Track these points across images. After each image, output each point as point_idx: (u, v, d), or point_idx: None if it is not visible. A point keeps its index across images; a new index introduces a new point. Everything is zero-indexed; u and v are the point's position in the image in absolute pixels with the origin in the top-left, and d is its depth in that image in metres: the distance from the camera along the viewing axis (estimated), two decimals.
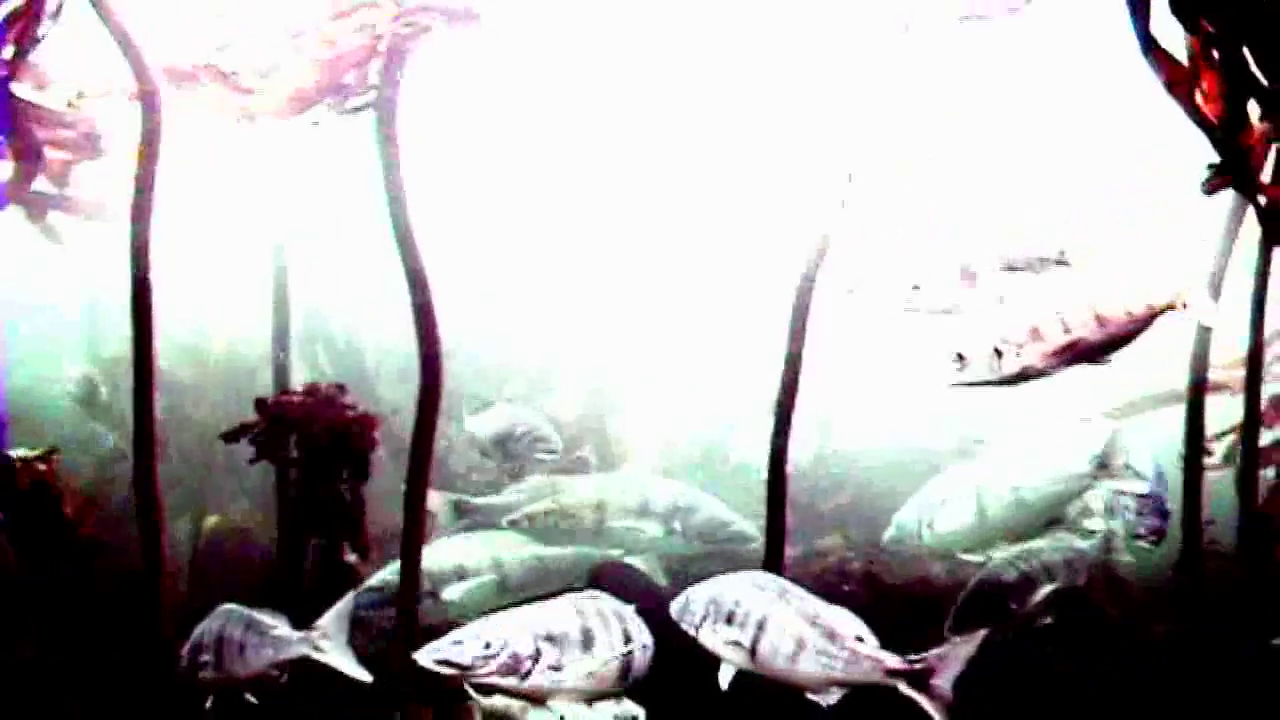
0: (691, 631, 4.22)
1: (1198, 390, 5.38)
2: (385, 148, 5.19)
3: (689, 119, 7.80)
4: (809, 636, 3.95)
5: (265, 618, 4.79)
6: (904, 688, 3.85)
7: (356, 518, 5.42)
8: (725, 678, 4.15)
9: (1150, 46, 4.12)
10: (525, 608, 4.13)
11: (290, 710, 5.12)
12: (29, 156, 4.87)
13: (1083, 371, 4.42)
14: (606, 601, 4.17)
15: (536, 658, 3.85)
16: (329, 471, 5.29)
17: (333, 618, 4.72)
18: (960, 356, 4.18)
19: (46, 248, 5.39)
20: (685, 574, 6.05)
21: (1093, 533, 6.05)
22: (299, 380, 6.13)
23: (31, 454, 5.22)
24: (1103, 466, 6.29)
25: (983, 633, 3.93)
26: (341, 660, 4.67)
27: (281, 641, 4.74)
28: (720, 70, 7.04)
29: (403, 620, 5.35)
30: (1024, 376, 4.20)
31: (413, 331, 5.22)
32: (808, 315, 5.21)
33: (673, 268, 8.45)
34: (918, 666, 3.86)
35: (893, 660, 3.89)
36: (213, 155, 5.98)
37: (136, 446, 4.96)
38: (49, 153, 4.99)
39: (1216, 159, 4.31)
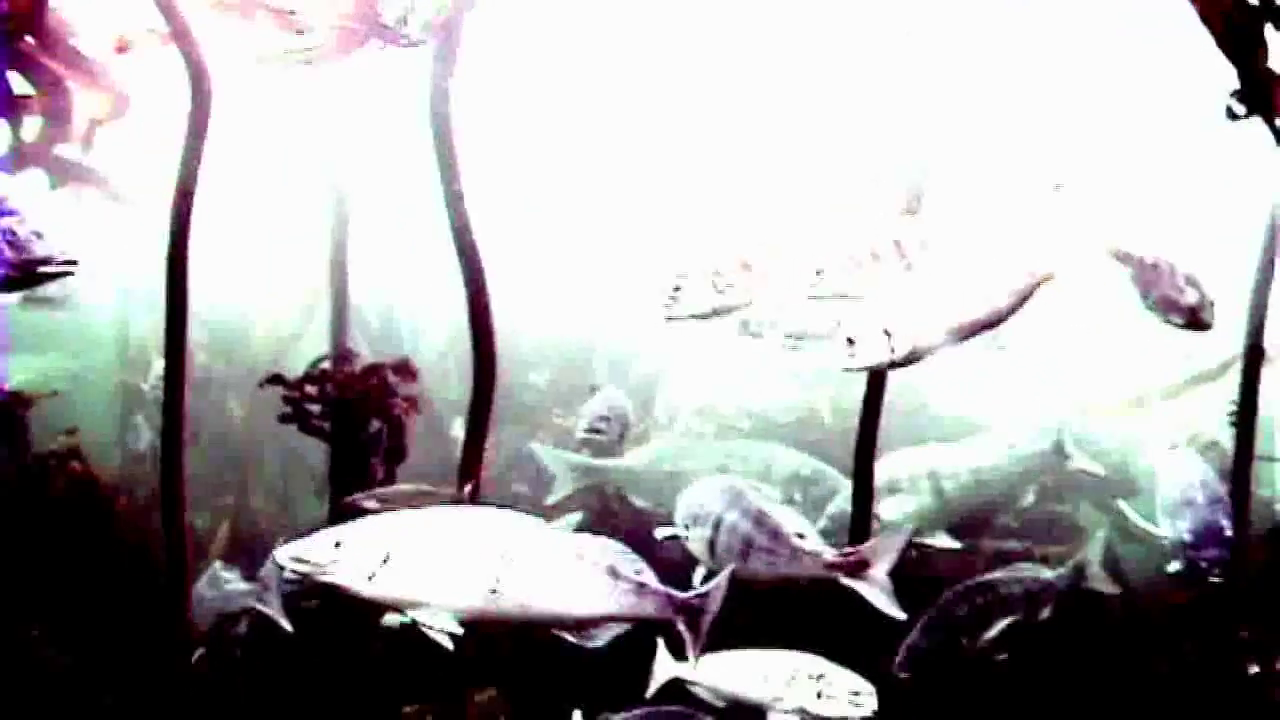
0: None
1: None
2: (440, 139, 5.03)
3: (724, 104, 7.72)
4: (756, 536, 4.28)
5: (225, 573, 5.07)
6: (843, 579, 4.13)
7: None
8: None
9: None
10: (398, 513, 3.96)
11: (292, 710, 5.13)
12: (60, 116, 4.79)
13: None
14: (491, 519, 3.91)
15: (385, 562, 3.68)
16: (363, 451, 5.21)
17: (271, 568, 4.80)
18: (850, 340, 4.07)
19: (77, 235, 5.33)
20: None
21: (1061, 562, 5.82)
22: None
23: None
24: (1060, 448, 6.49)
25: (908, 530, 4.37)
26: (275, 611, 4.81)
27: (232, 594, 4.98)
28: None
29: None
30: (916, 357, 4.11)
31: (449, 315, 5.13)
32: None
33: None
34: (853, 559, 4.17)
35: (830, 554, 4.17)
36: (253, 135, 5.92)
37: (165, 438, 4.90)
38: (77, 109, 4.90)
39: None
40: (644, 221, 8.25)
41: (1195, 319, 4.80)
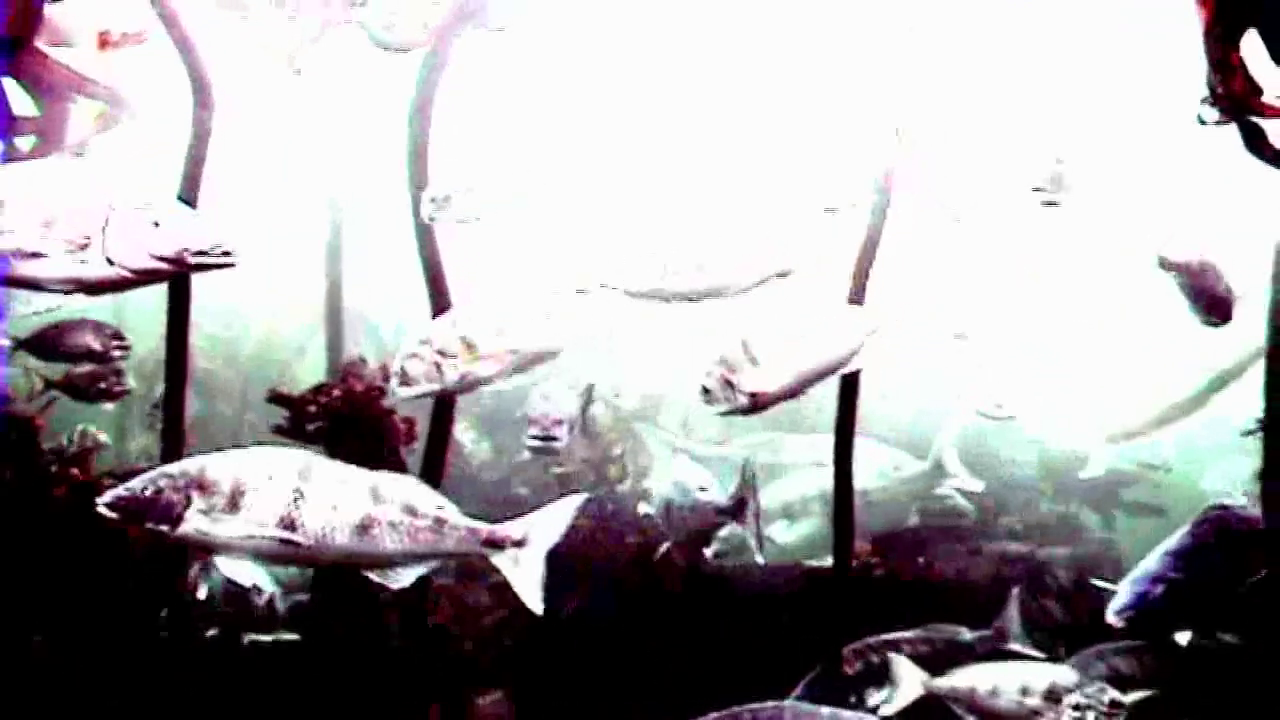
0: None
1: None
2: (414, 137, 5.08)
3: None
4: (377, 512, 3.76)
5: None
6: (495, 558, 3.83)
7: None
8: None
9: None
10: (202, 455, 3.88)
11: (294, 710, 5.10)
12: (54, 133, 4.79)
13: None
14: (287, 459, 3.81)
15: (186, 505, 3.63)
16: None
17: None
18: (706, 390, 4.41)
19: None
20: None
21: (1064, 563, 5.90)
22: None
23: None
24: (939, 467, 6.67)
25: (580, 498, 3.92)
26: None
27: None
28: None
29: (413, 617, 5.27)
30: (759, 405, 4.43)
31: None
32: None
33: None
34: (506, 536, 3.84)
35: (484, 529, 3.84)
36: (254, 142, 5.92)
37: (165, 441, 4.91)
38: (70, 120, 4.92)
39: None
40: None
41: (1230, 315, 4.91)
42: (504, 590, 6.63)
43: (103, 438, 6.70)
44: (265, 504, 3.62)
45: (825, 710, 4.27)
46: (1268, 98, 3.94)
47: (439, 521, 3.77)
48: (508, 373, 4.47)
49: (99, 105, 4.97)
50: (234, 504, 3.62)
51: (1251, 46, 4.01)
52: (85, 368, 6.45)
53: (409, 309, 7.94)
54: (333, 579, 5.26)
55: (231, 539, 3.61)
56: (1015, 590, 5.49)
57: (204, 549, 3.76)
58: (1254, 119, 4.02)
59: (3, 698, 4.89)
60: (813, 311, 4.65)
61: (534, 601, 3.79)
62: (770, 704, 4.33)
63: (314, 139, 6.36)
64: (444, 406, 5.17)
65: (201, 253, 3.54)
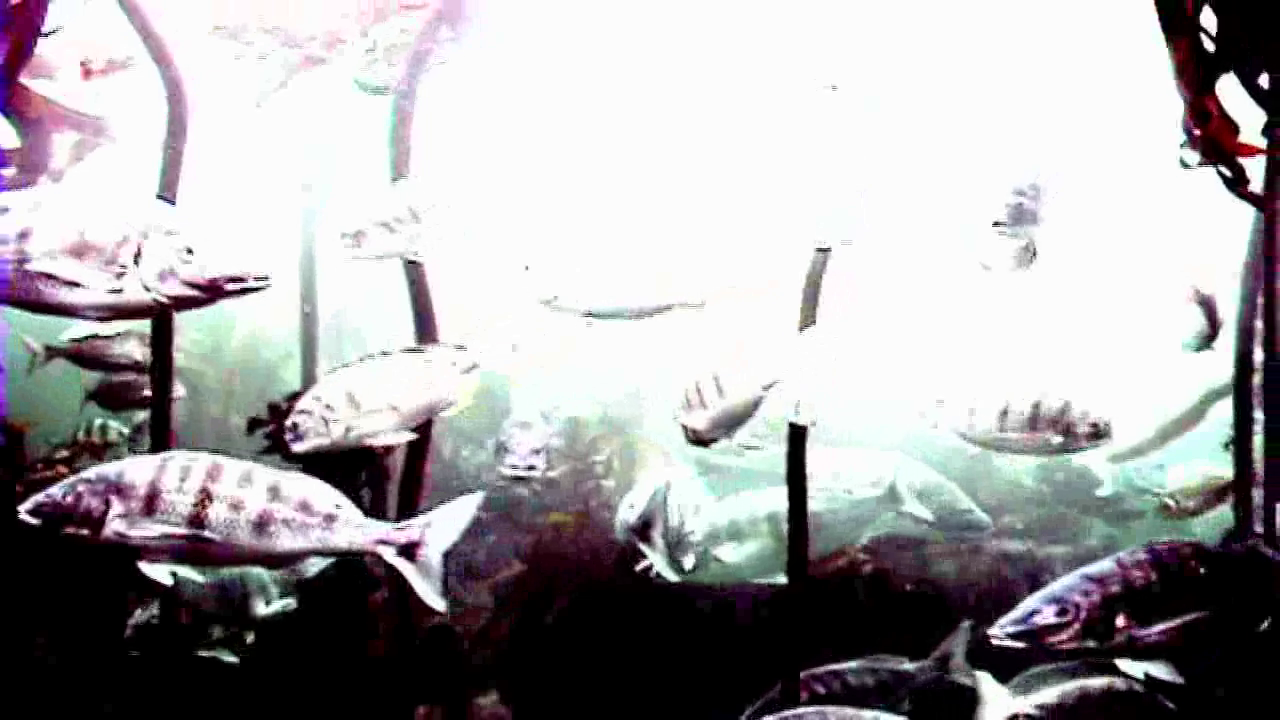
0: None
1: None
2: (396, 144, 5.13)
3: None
4: (275, 509, 3.87)
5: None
6: (390, 557, 3.88)
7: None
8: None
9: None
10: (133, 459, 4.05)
11: (296, 710, 5.18)
12: (36, 166, 4.83)
13: None
14: (192, 460, 3.92)
15: (106, 510, 3.76)
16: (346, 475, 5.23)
17: None
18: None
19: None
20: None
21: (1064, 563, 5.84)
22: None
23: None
24: (891, 493, 6.69)
25: (477, 497, 3.98)
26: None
27: None
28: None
29: (404, 620, 5.31)
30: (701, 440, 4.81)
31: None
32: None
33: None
34: (403, 537, 3.89)
35: (377, 528, 3.92)
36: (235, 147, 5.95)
37: (154, 442, 4.95)
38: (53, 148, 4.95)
39: None
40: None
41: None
42: (505, 591, 6.79)
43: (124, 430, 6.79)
44: (177, 506, 3.75)
45: (868, 714, 4.27)
46: (1245, 137, 3.98)
47: (330, 519, 3.87)
48: (396, 428, 4.59)
49: (76, 135, 5.00)
50: (149, 507, 3.74)
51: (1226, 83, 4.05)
52: (124, 377, 6.50)
53: (387, 314, 8.10)
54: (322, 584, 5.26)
55: (148, 540, 3.74)
56: (965, 624, 5.34)
57: (126, 551, 3.83)
58: (1233, 160, 4.06)
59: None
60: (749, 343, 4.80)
61: (433, 600, 3.86)
62: (812, 709, 4.35)
63: (290, 133, 6.37)
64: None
65: (237, 279, 3.66)
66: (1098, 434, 5.26)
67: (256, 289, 3.73)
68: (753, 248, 5.12)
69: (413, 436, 4.68)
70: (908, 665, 5.34)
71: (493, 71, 5.63)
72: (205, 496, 3.77)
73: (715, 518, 6.45)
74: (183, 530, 3.74)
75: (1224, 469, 6.05)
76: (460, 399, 4.74)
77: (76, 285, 3.56)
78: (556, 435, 6.92)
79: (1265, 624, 4.20)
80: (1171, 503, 6.87)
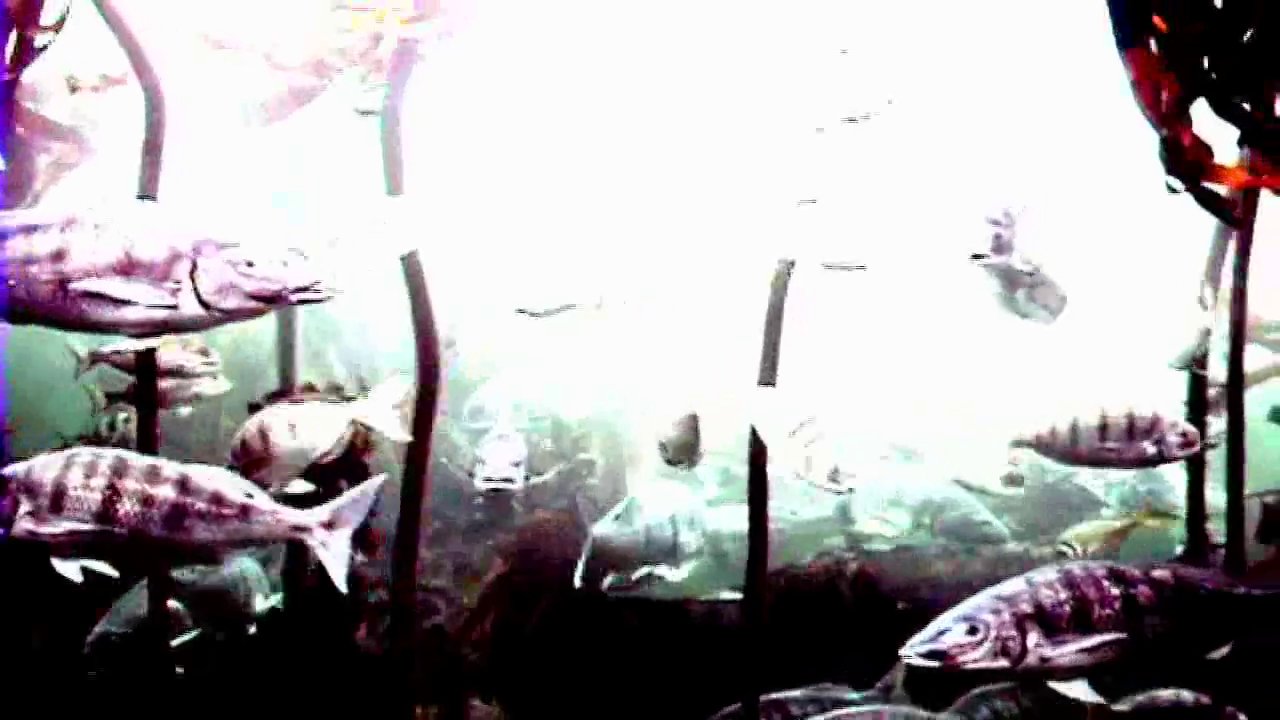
0: None
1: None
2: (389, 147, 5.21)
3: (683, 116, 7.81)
4: (189, 501, 3.96)
5: None
6: (313, 542, 3.96)
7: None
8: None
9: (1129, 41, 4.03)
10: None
11: (296, 710, 5.22)
12: (21, 187, 4.88)
13: None
14: (101, 458, 3.99)
15: (15, 508, 3.87)
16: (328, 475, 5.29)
17: None
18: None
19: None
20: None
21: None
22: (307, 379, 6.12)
23: None
24: (842, 513, 6.94)
25: (380, 479, 4.12)
26: None
27: None
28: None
29: (402, 620, 5.36)
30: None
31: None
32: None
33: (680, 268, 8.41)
34: (323, 520, 3.99)
35: (289, 516, 4.00)
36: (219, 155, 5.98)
37: (140, 446, 4.93)
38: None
39: None
40: None
41: None
42: (500, 590, 6.84)
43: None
44: (85, 502, 3.83)
45: (923, 713, 4.38)
46: (1220, 160, 3.91)
47: (245, 509, 3.96)
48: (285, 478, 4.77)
49: (53, 153, 5.05)
50: (57, 504, 3.82)
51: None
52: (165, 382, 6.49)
53: (368, 314, 8.15)
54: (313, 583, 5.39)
55: (57, 536, 3.82)
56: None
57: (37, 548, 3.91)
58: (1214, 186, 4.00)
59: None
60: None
61: (340, 580, 3.96)
62: (868, 709, 4.45)
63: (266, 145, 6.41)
64: (424, 409, 5.29)
65: (302, 289, 3.66)
66: (1188, 442, 5.20)
67: (324, 298, 3.74)
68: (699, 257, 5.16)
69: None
70: (852, 694, 5.30)
71: (470, 68, 5.67)
72: (113, 492, 3.84)
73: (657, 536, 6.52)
74: (91, 526, 3.82)
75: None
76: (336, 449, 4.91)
77: (125, 303, 3.55)
78: (545, 437, 6.91)
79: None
80: (1068, 550, 6.91)
